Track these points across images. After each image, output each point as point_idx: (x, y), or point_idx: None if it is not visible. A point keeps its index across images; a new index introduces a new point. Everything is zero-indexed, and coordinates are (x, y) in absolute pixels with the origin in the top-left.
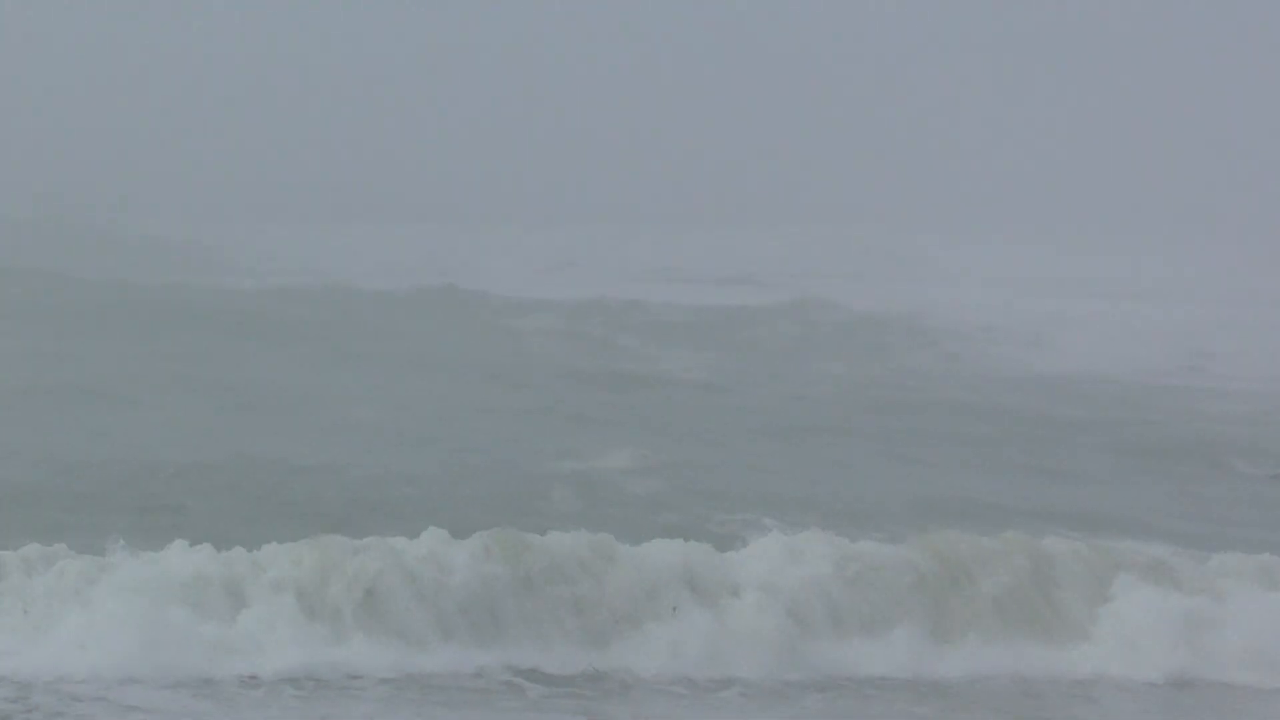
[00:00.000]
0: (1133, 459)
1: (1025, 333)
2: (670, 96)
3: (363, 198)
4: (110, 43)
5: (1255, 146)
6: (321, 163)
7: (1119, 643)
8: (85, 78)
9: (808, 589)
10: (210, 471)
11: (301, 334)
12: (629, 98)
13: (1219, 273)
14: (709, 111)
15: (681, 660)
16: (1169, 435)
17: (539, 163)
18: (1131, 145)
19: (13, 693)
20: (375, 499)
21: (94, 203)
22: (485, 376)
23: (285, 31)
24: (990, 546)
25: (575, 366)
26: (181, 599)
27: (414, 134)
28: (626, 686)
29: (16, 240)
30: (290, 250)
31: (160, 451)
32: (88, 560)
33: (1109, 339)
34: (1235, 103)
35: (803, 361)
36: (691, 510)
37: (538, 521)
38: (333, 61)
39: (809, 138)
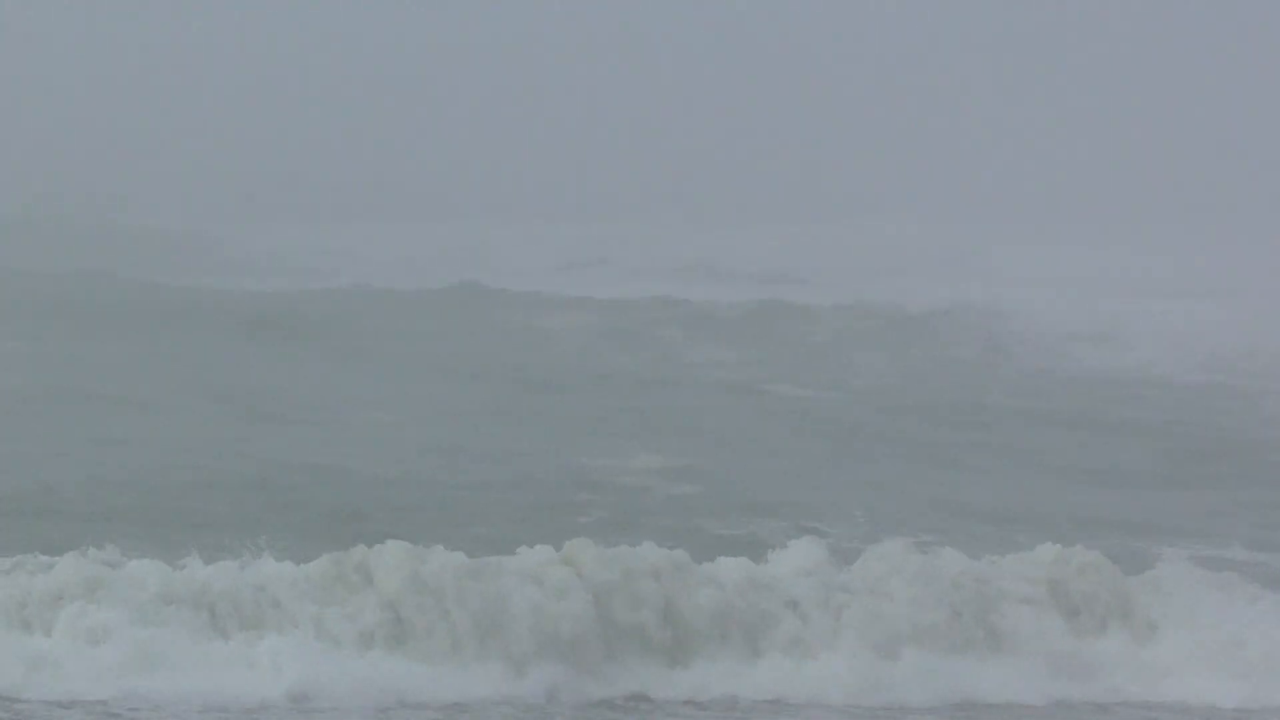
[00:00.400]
0: (1193, 463)
1: (1080, 332)
2: (706, 88)
3: (379, 194)
4: (112, 41)
5: None
6: (335, 159)
7: (1244, 667)
8: (88, 76)
9: (885, 611)
10: (222, 478)
11: (317, 335)
12: (662, 89)
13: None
14: (746, 104)
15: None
16: (1230, 438)
17: (565, 156)
18: (1192, 140)
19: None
20: (394, 507)
21: (97, 202)
22: (511, 378)
23: (295, 26)
24: (1079, 561)
25: (606, 366)
26: (183, 611)
27: (433, 127)
28: (636, 700)
29: (18, 240)
30: (305, 249)
31: (171, 457)
32: (87, 569)
33: (1167, 337)
34: None
35: (847, 361)
36: (730, 518)
37: (568, 531)
38: (345, 55)
39: (851, 131)
